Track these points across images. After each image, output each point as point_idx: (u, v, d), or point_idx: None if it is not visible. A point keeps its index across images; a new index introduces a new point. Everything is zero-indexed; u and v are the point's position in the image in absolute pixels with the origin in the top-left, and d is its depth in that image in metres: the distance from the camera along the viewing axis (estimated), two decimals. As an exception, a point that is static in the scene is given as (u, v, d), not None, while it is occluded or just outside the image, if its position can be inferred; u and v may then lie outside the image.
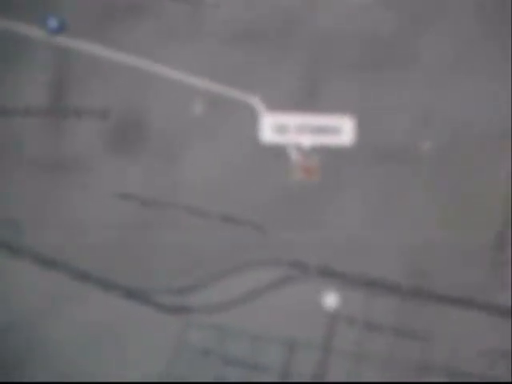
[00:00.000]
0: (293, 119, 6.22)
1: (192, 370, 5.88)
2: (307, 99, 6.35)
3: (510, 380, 5.71)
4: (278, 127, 6.19)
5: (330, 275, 5.95)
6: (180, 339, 5.93)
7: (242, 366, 5.86)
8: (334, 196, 6.16)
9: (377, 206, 6.13)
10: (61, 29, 6.35)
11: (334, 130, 6.17)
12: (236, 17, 6.55)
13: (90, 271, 6.08)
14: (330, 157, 6.21)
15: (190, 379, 5.88)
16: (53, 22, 6.35)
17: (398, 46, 6.44)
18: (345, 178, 6.20)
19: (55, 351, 5.97)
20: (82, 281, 6.07)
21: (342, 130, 6.17)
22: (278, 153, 6.25)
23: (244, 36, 6.50)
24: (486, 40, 6.38)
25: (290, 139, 6.16)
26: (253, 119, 6.30)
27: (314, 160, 6.10)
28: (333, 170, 6.20)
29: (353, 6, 6.52)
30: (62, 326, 6.00)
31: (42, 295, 6.06)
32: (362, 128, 6.25)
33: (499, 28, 6.39)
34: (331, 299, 5.91)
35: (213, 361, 5.89)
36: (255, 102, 6.30)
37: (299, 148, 6.13)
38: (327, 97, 6.36)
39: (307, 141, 6.14)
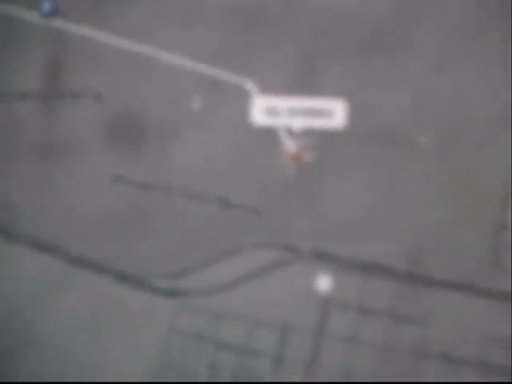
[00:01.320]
0: (284, 102, 6.14)
1: (185, 355, 5.84)
2: (304, 82, 6.28)
3: (507, 364, 5.58)
4: (269, 110, 6.12)
5: (323, 259, 5.86)
6: (173, 323, 5.89)
7: (234, 350, 5.81)
8: (330, 180, 6.07)
9: (374, 190, 6.03)
10: (54, 13, 6.35)
11: (326, 113, 6.08)
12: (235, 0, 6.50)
13: (85, 255, 6.07)
14: (325, 139, 6.12)
15: (182, 364, 5.83)
16: (46, 6, 6.35)
17: (398, 30, 6.34)
18: (341, 161, 6.10)
19: (50, 338, 5.96)
20: (76, 265, 6.06)
21: (334, 113, 6.08)
22: (273, 136, 6.18)
23: (242, 19, 6.44)
24: (485, 26, 6.25)
25: (282, 122, 6.08)
26: (247, 103, 6.23)
27: (306, 143, 6.02)
28: (329, 152, 6.11)
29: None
30: (57, 312, 5.99)
31: (38, 280, 6.06)
32: (360, 111, 6.15)
33: (498, 13, 6.25)
34: (325, 283, 5.82)
35: (205, 345, 5.84)
36: (249, 85, 6.23)
37: (291, 131, 6.05)
38: (324, 80, 6.28)
39: (299, 123, 6.06)
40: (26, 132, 6.35)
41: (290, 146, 6.03)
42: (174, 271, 5.97)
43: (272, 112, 6.10)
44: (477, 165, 5.96)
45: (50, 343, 5.95)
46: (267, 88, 6.23)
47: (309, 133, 6.09)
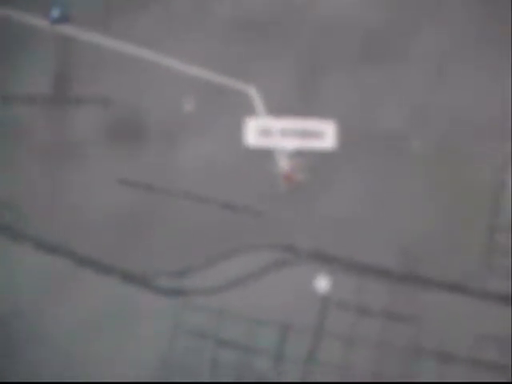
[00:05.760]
0: (277, 123, 6.36)
1: (188, 352, 6.01)
2: (304, 91, 6.50)
3: (498, 362, 5.81)
4: (262, 131, 6.35)
5: (322, 259, 6.08)
6: (177, 322, 6.06)
7: (236, 348, 5.99)
8: (329, 183, 6.29)
9: (371, 194, 6.26)
10: (63, 19, 6.55)
11: (318, 135, 6.32)
12: (240, 8, 6.71)
13: (90, 256, 6.23)
14: (318, 158, 6.33)
15: (185, 362, 6.00)
16: (56, 12, 6.55)
17: (394, 40, 6.57)
18: (340, 166, 6.33)
19: (55, 337, 6.09)
20: (82, 265, 6.22)
21: (325, 134, 6.32)
22: (267, 152, 6.42)
23: (246, 27, 6.66)
24: (479, 36, 6.50)
25: (275, 143, 6.31)
26: (250, 110, 6.45)
27: (298, 163, 6.26)
28: (328, 159, 6.33)
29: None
30: (63, 312, 6.13)
31: (44, 280, 6.19)
32: (358, 119, 6.38)
33: (493, 23, 6.51)
34: (323, 283, 6.03)
35: (208, 343, 6.02)
36: (252, 92, 6.45)
37: (283, 152, 6.30)
38: (324, 89, 6.50)
39: (291, 145, 6.29)
40: (32, 134, 6.52)
41: (282, 165, 6.26)
42: (177, 271, 6.15)
43: (265, 133, 6.33)
44: (469, 171, 6.20)
45: (55, 344, 6.07)
46: (269, 96, 6.44)
47: (301, 153, 6.32)
